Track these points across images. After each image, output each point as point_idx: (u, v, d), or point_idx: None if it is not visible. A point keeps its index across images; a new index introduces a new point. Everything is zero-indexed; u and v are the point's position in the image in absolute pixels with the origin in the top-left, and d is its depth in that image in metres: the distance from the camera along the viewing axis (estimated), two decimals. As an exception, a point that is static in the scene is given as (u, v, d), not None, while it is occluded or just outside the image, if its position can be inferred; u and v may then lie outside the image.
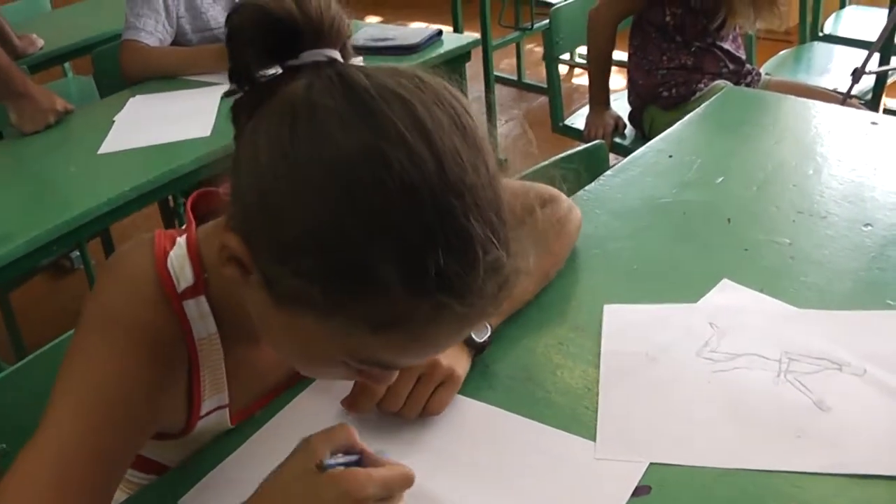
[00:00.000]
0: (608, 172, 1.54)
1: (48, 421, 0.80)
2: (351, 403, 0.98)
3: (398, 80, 0.70)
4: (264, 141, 0.70)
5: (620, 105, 2.82)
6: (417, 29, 2.62)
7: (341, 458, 0.78)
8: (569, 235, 1.21)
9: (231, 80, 0.76)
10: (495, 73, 4.04)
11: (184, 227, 0.94)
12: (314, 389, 1.04)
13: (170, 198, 2.72)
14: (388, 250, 0.65)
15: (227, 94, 0.77)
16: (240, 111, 0.76)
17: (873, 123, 1.62)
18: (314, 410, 1.02)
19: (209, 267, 0.86)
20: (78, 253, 2.88)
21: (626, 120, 2.78)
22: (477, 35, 3.02)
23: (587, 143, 2.75)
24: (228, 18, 0.74)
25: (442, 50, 2.47)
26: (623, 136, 2.76)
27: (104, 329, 0.83)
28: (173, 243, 0.87)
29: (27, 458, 0.78)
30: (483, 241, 0.67)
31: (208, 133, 1.96)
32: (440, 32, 2.53)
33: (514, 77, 4.72)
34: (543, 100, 4.48)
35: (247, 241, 0.72)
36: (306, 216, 0.67)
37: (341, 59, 0.75)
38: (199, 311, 0.86)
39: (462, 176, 0.67)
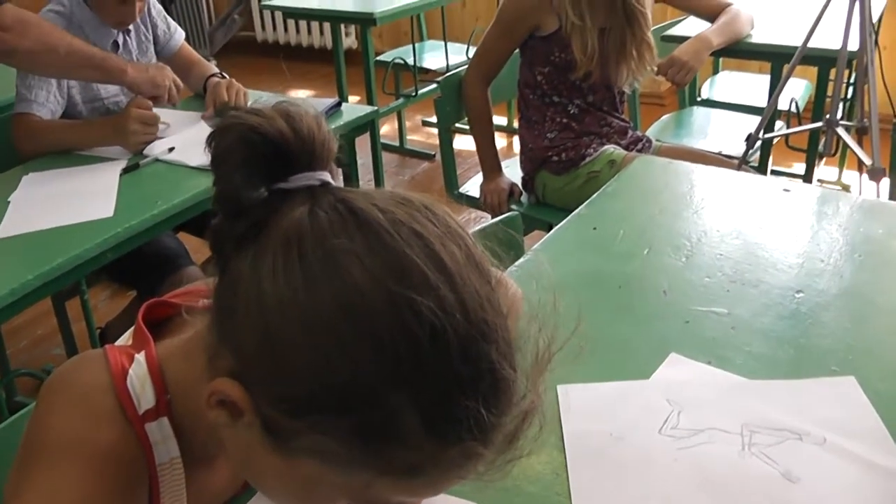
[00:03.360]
0: (536, 247, 1.55)
1: None
2: None
3: (410, 212, 0.65)
4: (269, 282, 0.63)
5: (512, 171, 2.86)
6: (317, 100, 2.60)
7: None
8: (517, 319, 1.20)
9: (215, 205, 0.69)
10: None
11: (126, 335, 0.88)
12: (262, 497, 0.98)
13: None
14: (419, 403, 0.61)
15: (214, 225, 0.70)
16: (223, 240, 0.69)
17: (785, 190, 1.69)
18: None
19: (172, 389, 0.79)
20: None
21: (520, 186, 2.81)
22: (370, 106, 3.02)
23: (489, 211, 2.81)
24: (213, 138, 0.68)
25: (342, 121, 2.45)
26: (519, 202, 2.79)
27: (60, 455, 0.74)
28: (130, 360, 0.80)
29: None
30: (515, 384, 0.65)
31: (111, 213, 1.87)
32: (340, 103, 2.51)
33: (397, 143, 4.75)
34: (426, 165, 4.54)
35: (244, 386, 0.66)
36: (327, 369, 0.61)
37: (332, 182, 0.70)
38: (161, 434, 0.79)
39: (485, 317, 0.63)
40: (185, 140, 2.21)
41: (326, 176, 0.69)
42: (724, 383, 1.15)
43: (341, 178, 0.74)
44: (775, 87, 2.71)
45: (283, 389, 0.64)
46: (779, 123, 3.07)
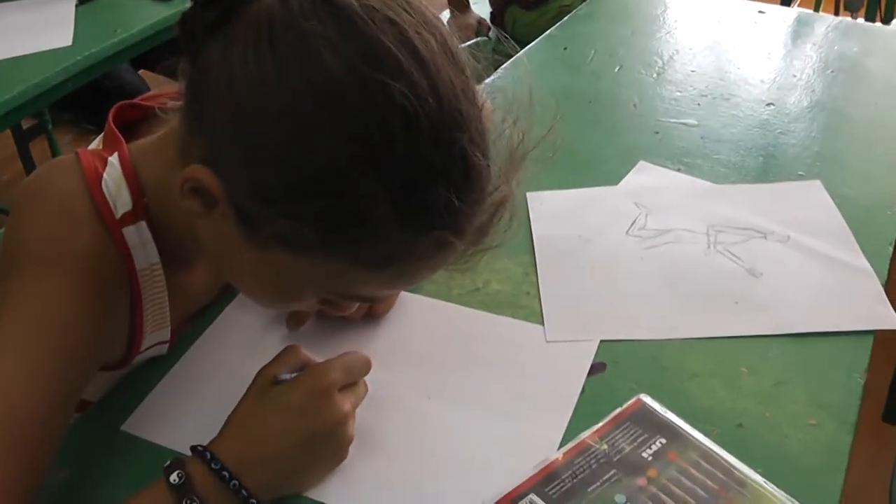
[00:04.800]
0: (506, 65, 1.52)
1: None
2: (297, 321, 0.93)
3: (385, 1, 0.62)
4: (239, 67, 0.61)
5: (481, 7, 2.79)
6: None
7: (296, 374, 0.77)
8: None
9: None
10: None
11: (97, 141, 0.85)
12: (239, 301, 0.99)
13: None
14: (391, 189, 0.60)
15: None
16: (194, 29, 0.66)
17: (760, 12, 1.66)
18: (241, 323, 0.97)
19: (148, 189, 0.77)
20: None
21: (488, 21, 2.76)
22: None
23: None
24: None
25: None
26: (488, 38, 2.74)
27: (38, 262, 0.73)
28: (104, 163, 0.77)
29: None
30: (487, 174, 0.64)
31: (69, 42, 1.82)
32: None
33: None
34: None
35: (217, 174, 0.65)
36: (297, 153, 0.60)
37: None
38: (139, 239, 0.77)
39: (459, 107, 0.62)
40: (142, -30, 2.13)
41: None
42: (692, 188, 1.15)
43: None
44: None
45: (254, 174, 0.63)
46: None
